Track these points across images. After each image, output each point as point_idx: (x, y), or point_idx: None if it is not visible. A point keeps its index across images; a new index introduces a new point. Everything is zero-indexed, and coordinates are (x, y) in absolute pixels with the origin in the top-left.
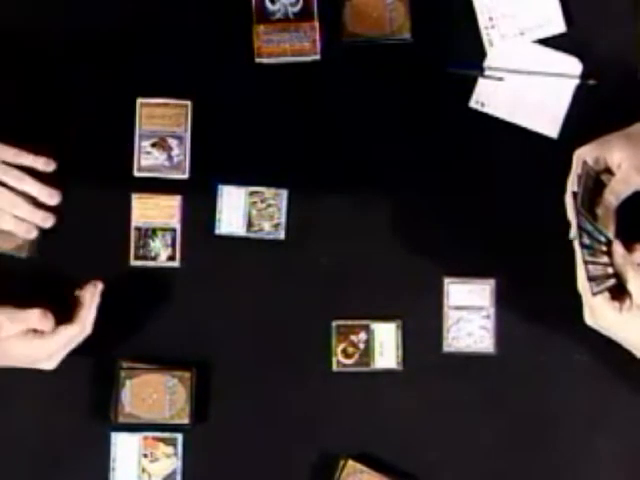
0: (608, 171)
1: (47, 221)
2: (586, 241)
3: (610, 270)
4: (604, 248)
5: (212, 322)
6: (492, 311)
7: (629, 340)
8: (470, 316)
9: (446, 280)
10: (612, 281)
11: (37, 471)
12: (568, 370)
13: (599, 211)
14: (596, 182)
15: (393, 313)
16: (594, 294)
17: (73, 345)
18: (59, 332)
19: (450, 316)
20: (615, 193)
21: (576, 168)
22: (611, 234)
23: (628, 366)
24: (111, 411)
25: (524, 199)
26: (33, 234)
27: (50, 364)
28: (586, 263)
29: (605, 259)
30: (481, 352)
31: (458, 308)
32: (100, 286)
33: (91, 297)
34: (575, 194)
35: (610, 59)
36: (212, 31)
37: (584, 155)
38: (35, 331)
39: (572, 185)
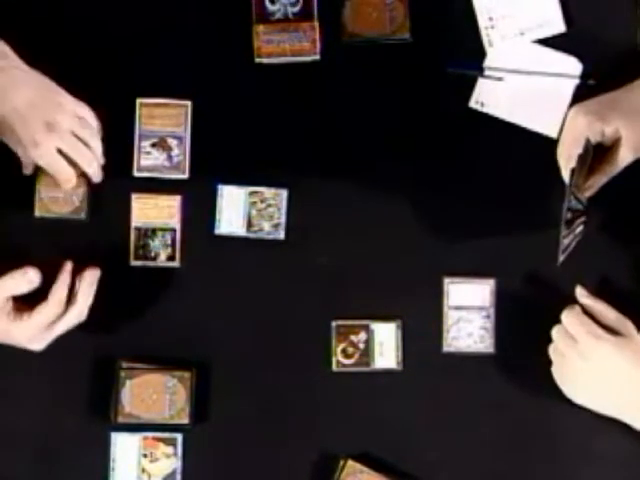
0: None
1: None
2: (568, 216)
3: (577, 231)
4: (578, 214)
5: (212, 322)
6: (492, 311)
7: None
8: (470, 316)
9: (446, 280)
10: (576, 242)
11: (37, 471)
12: None
13: (587, 185)
14: (590, 155)
15: (393, 313)
16: (560, 264)
17: (63, 328)
18: (36, 314)
19: (450, 316)
20: (609, 173)
21: (570, 127)
22: (585, 201)
23: None
24: (111, 411)
25: (524, 199)
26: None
27: (34, 346)
28: (563, 237)
29: (576, 222)
30: (481, 352)
31: (458, 308)
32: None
33: (77, 281)
34: (573, 171)
35: (610, 59)
36: (212, 31)
37: (584, 130)
38: (16, 311)
39: (562, 146)
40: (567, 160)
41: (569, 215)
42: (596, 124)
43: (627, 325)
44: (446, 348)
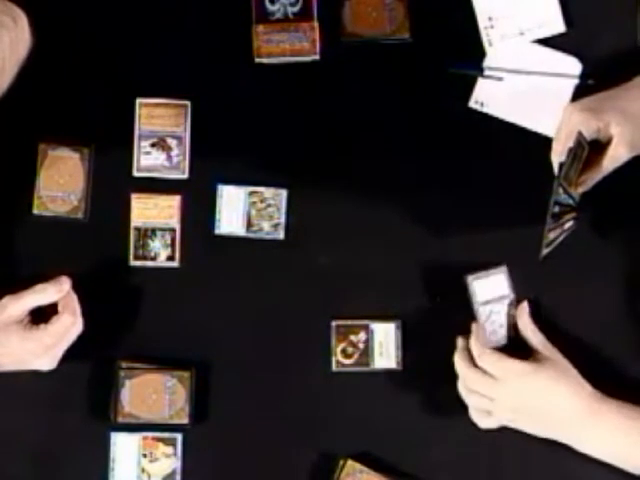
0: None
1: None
2: (555, 210)
3: (566, 226)
4: (568, 209)
5: (212, 322)
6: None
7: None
8: (497, 307)
9: (469, 277)
10: (562, 237)
11: (37, 471)
12: None
13: (580, 180)
14: (584, 150)
15: (393, 313)
16: (543, 258)
17: (68, 342)
18: (53, 322)
19: (480, 313)
20: (603, 170)
21: (566, 123)
22: (578, 198)
23: (626, 366)
24: (110, 411)
25: (523, 198)
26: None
27: (47, 361)
28: (549, 231)
29: (565, 217)
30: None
31: (486, 303)
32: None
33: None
34: (561, 165)
35: (610, 59)
36: (212, 31)
37: (578, 124)
38: (32, 322)
39: (557, 142)
40: (560, 156)
41: (556, 209)
42: (591, 121)
43: (548, 348)
44: (489, 345)
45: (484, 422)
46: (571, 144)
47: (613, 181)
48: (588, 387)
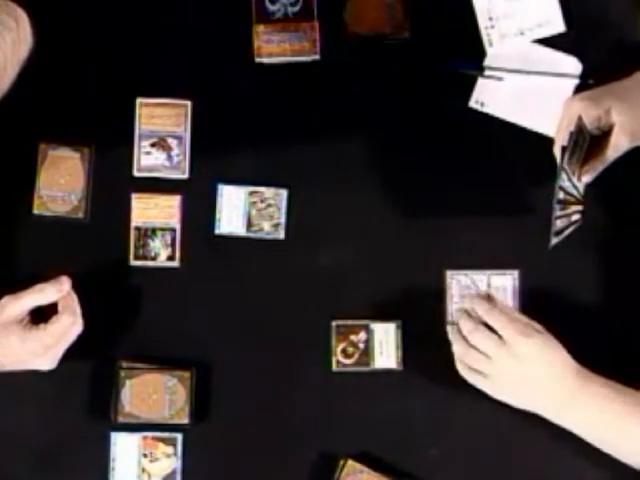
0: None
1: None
2: (560, 197)
3: (573, 218)
4: (573, 200)
5: (212, 322)
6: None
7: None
8: None
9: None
10: (570, 230)
11: (37, 471)
12: None
13: (583, 170)
14: (585, 139)
15: (393, 313)
16: (552, 247)
17: (68, 342)
18: (53, 322)
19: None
20: (605, 159)
21: (566, 114)
22: (582, 190)
23: (626, 366)
24: (111, 411)
25: (524, 199)
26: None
27: (47, 361)
28: (556, 218)
29: (572, 208)
30: None
31: None
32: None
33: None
34: (564, 149)
35: (610, 59)
36: (212, 31)
37: (579, 111)
38: (32, 322)
39: (558, 133)
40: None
41: (561, 195)
42: (591, 108)
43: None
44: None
45: (472, 377)
46: (572, 128)
47: (619, 177)
48: (575, 364)
